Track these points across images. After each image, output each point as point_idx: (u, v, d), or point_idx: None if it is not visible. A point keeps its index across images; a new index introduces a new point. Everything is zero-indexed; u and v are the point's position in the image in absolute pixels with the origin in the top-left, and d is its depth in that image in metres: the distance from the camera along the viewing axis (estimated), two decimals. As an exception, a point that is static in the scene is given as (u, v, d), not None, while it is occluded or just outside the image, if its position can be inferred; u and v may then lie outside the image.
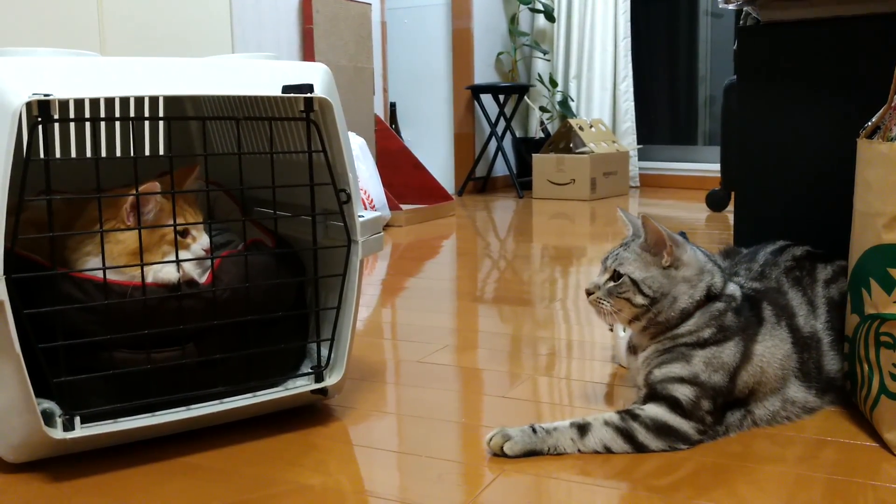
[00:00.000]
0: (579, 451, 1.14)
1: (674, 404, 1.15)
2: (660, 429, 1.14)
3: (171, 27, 2.59)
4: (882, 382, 1.14)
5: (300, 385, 1.28)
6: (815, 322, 1.29)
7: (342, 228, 1.27)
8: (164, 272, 1.17)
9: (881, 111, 1.22)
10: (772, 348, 1.21)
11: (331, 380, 1.28)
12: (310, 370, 1.29)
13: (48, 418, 1.09)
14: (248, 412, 1.25)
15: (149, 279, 1.15)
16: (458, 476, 1.09)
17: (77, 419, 1.09)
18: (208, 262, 1.22)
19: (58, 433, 1.08)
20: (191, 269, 1.19)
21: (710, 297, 1.22)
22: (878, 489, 1.03)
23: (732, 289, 1.25)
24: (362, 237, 1.27)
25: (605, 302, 1.24)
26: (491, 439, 1.14)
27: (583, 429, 1.15)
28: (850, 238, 1.26)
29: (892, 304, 1.11)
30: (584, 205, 4.24)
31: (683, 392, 1.16)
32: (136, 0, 2.47)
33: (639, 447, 1.14)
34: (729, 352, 1.18)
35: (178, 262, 1.17)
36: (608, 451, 1.14)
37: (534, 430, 1.14)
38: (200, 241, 1.23)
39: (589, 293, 1.27)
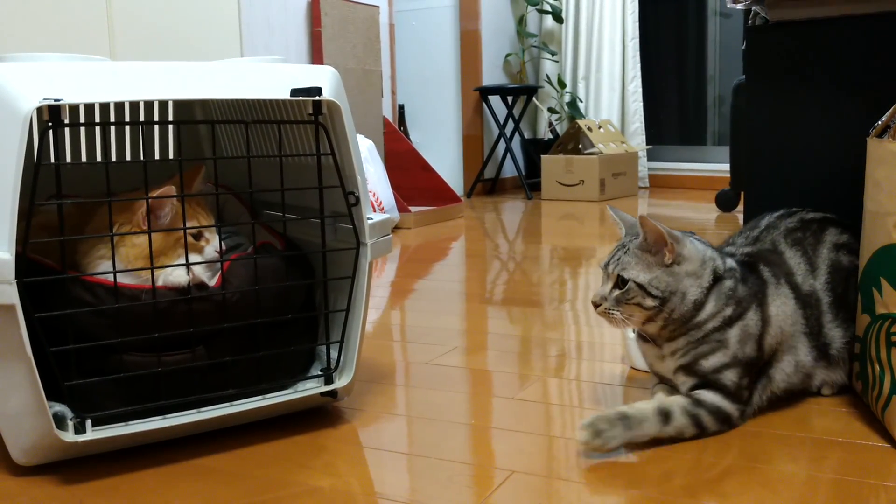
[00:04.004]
0: (654, 435, 1.17)
1: (726, 391, 1.20)
2: (716, 413, 1.19)
3: (180, 31, 2.61)
4: (893, 383, 1.14)
5: (310, 387, 1.28)
6: (814, 281, 1.30)
7: (351, 231, 1.27)
8: (174, 275, 1.17)
9: (891, 110, 1.22)
10: (782, 306, 1.25)
11: (340, 382, 1.28)
12: (319, 372, 1.29)
13: (59, 421, 1.09)
14: (258, 414, 1.25)
15: (159, 282, 1.16)
16: (469, 478, 1.09)
17: (88, 422, 1.10)
18: (218, 265, 1.22)
19: (69, 436, 1.08)
20: (201, 273, 1.20)
21: (717, 278, 1.24)
22: (890, 490, 1.02)
23: (730, 262, 1.26)
24: (371, 239, 1.27)
25: (614, 311, 1.22)
26: (585, 438, 1.12)
27: (666, 418, 1.17)
28: (861, 238, 1.25)
29: (903, 304, 1.11)
30: (593, 206, 4.23)
31: (730, 378, 1.20)
32: (146, 5, 2.49)
33: (701, 431, 1.18)
34: (752, 321, 1.22)
35: (187, 265, 1.18)
36: (679, 437, 1.17)
37: (626, 418, 1.14)
38: (213, 243, 1.23)
39: (596, 305, 1.24)
